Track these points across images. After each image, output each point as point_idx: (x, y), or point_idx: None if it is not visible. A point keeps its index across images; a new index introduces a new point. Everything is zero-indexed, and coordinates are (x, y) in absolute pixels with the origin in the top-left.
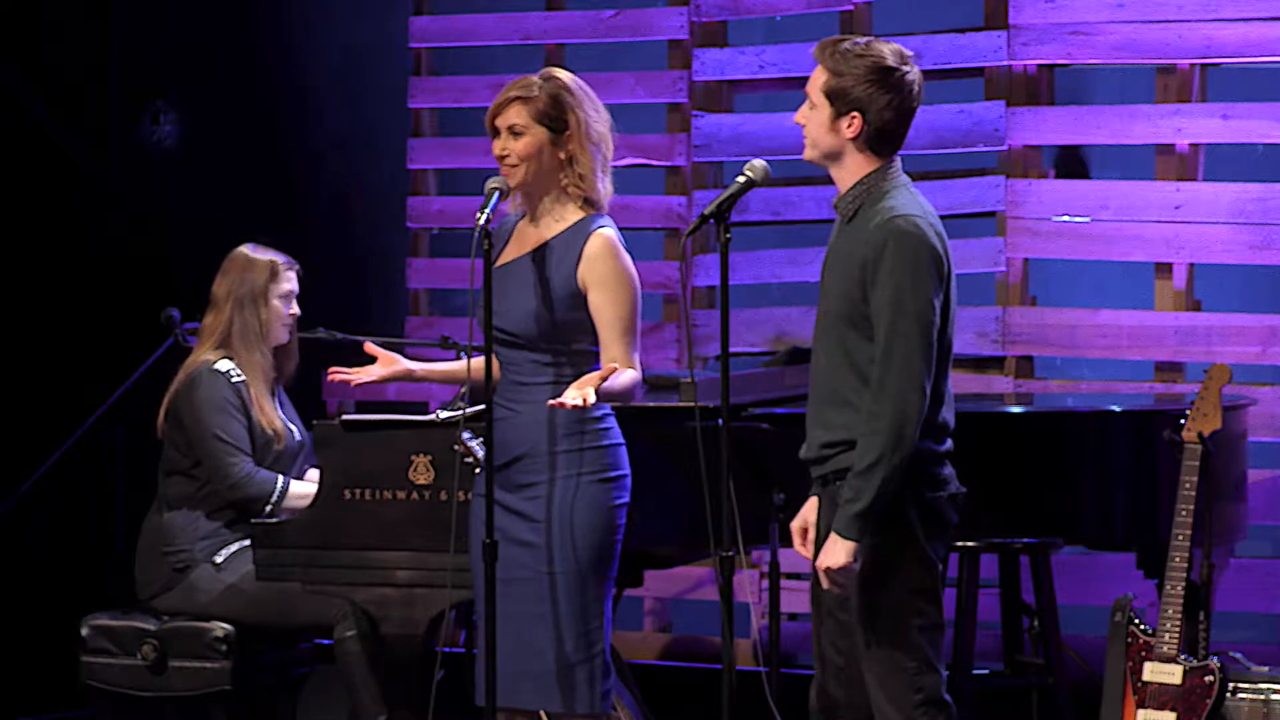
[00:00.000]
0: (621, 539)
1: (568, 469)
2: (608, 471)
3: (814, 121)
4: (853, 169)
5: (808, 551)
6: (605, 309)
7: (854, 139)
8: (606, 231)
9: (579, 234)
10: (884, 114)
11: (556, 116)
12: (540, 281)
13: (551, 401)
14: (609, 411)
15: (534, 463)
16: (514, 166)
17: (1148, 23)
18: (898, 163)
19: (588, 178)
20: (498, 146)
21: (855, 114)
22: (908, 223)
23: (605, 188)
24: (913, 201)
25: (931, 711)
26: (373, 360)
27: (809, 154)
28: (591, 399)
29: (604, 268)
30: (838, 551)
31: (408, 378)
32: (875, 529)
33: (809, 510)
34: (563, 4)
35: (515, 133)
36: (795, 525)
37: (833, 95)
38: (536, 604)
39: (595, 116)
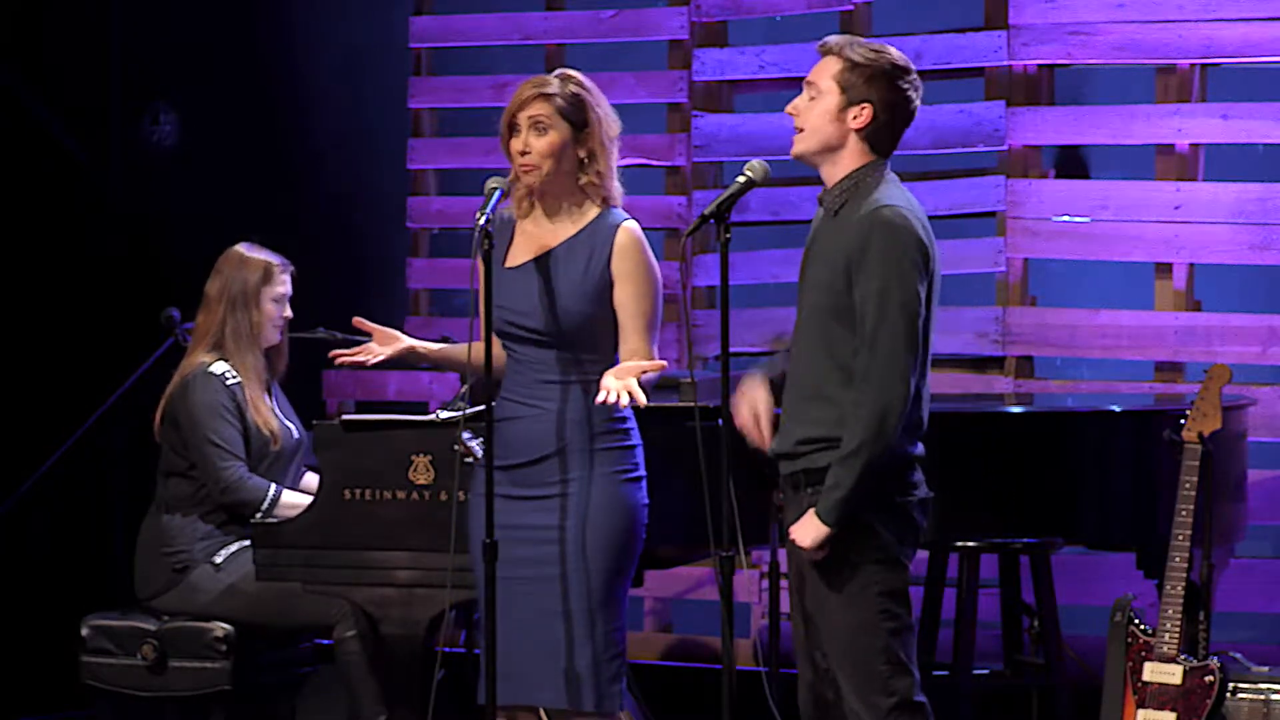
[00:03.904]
0: (643, 540)
1: (603, 467)
2: (636, 470)
3: (816, 110)
4: (846, 162)
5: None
6: (631, 302)
7: (859, 130)
8: (634, 225)
9: (604, 228)
10: (893, 111)
11: (578, 114)
12: (569, 278)
13: (600, 398)
14: (630, 411)
15: (567, 460)
16: (535, 165)
17: (1148, 23)
18: (888, 164)
19: (605, 175)
20: (518, 143)
21: (866, 104)
22: (894, 213)
23: (618, 187)
24: (900, 195)
25: (906, 714)
26: (369, 337)
27: (802, 146)
28: (641, 398)
29: (633, 261)
30: (810, 532)
31: (410, 355)
32: (842, 533)
33: (757, 392)
34: (563, 4)
35: (539, 128)
36: (744, 410)
37: (847, 84)
38: (566, 601)
39: (610, 117)
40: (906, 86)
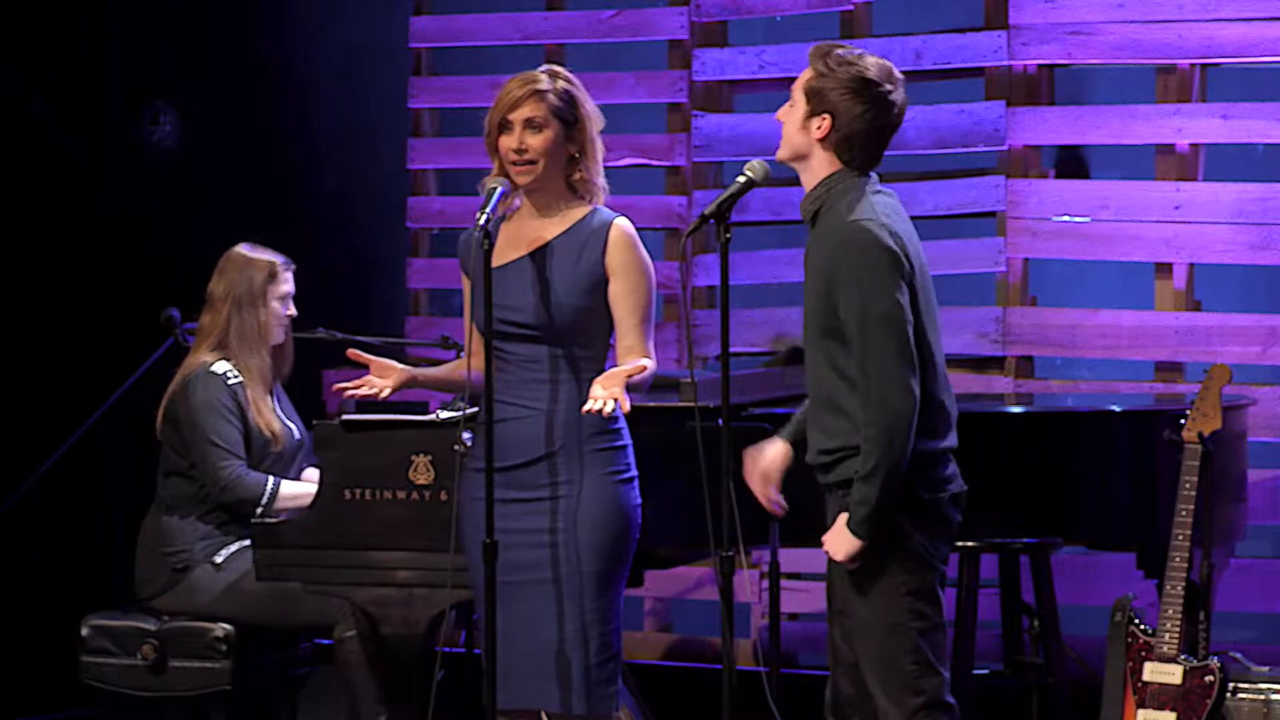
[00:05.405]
0: (638, 540)
1: (595, 469)
2: (628, 471)
3: (790, 119)
4: (816, 171)
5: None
6: (626, 297)
7: (821, 140)
8: (625, 221)
9: (595, 224)
10: (854, 124)
11: (570, 110)
12: (561, 272)
13: (586, 407)
14: (620, 411)
15: (557, 463)
16: (532, 163)
17: (1148, 23)
18: (872, 176)
19: (595, 170)
20: (513, 141)
21: (826, 115)
22: (857, 227)
23: (605, 184)
24: (867, 205)
25: (934, 714)
26: (366, 368)
27: (781, 153)
28: (626, 404)
29: (627, 256)
30: (842, 545)
31: (411, 384)
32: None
33: (768, 454)
34: (563, 4)
35: (535, 127)
36: (755, 476)
37: (810, 94)
38: (560, 604)
39: (595, 111)
40: (876, 99)
